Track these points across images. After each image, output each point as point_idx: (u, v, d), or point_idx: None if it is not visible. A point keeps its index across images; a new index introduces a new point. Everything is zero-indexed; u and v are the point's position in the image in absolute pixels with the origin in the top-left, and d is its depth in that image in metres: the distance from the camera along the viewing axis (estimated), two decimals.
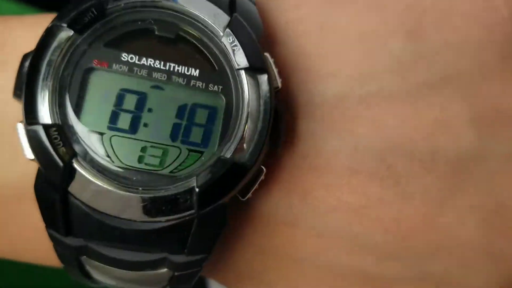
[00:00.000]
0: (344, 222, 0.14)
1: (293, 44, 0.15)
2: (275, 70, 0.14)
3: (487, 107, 0.14)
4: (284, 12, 0.15)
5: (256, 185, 0.14)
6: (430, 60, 0.14)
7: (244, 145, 0.14)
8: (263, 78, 0.14)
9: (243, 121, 0.14)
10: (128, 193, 0.13)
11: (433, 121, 0.14)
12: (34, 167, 0.14)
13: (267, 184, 0.15)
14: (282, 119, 0.14)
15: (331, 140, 0.14)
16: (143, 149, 0.14)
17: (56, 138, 0.13)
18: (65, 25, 0.14)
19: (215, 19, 0.14)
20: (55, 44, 0.14)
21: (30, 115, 0.13)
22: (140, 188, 0.14)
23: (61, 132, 0.13)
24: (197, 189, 0.13)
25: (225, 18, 0.14)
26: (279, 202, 0.15)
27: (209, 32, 0.14)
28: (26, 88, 0.14)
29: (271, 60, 0.14)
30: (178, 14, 0.14)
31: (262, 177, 0.14)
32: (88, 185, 0.13)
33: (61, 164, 0.13)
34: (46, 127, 0.13)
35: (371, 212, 0.14)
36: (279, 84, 0.14)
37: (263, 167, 0.14)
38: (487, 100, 0.14)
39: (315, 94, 0.15)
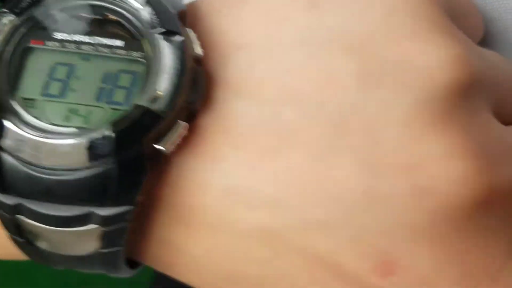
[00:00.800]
0: (245, 179, 0.15)
1: (212, 21, 0.17)
2: (197, 42, 0.16)
3: (371, 60, 0.15)
4: None
5: (179, 140, 0.15)
6: (325, 21, 0.15)
7: (159, 95, 0.15)
8: (178, 40, 0.15)
9: (159, 77, 0.15)
10: (52, 141, 0.15)
11: (321, 73, 0.15)
12: None
13: (186, 145, 0.15)
14: (199, 82, 0.16)
15: (239, 104, 0.15)
16: (71, 110, 0.16)
17: None
18: (6, 10, 0.16)
19: None
20: None
21: None
22: None
23: None
24: (113, 134, 0.15)
25: None
26: (195, 164, 0.15)
27: (132, 9, 0.16)
28: None
29: (192, 33, 0.16)
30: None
31: (185, 132, 0.15)
32: (18, 139, 0.15)
33: None
34: None
35: (266, 165, 0.15)
36: (200, 52, 0.16)
37: (184, 122, 0.15)
38: (371, 54, 0.15)
39: (229, 65, 0.16)
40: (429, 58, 0.14)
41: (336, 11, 0.15)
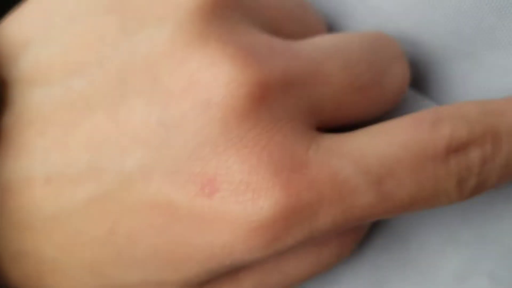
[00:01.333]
0: (61, 157, 0.15)
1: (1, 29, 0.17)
2: None
3: (129, 8, 0.16)
4: None
5: None
6: None
7: None
8: None
9: None
10: None
11: (91, 37, 0.16)
12: None
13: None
14: None
15: (35, 93, 0.16)
16: None
17: None
18: None
19: None
20: None
21: None
22: None
23: None
24: None
25: None
26: (11, 163, 0.15)
27: None
28: None
29: None
30: None
31: None
32: None
33: None
34: None
35: (74, 137, 0.15)
36: None
37: None
38: (128, 4, 0.16)
39: (20, 63, 0.17)
40: None
41: None
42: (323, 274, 0.19)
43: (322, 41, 0.17)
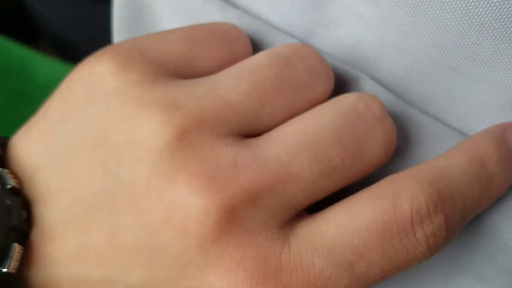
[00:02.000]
0: (77, 271, 0.18)
1: (16, 156, 0.20)
2: (9, 176, 0.18)
3: (110, 145, 0.18)
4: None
5: (13, 261, 0.17)
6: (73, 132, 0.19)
7: None
8: None
9: None
10: None
11: (83, 170, 0.18)
12: None
13: (27, 263, 0.18)
14: (16, 209, 0.18)
15: (50, 213, 0.18)
16: None
17: None
18: None
19: None
20: None
21: None
22: None
23: None
24: None
25: None
26: (40, 270, 0.18)
27: None
28: None
29: (4, 171, 0.19)
30: None
31: (19, 250, 0.17)
32: None
33: None
34: None
35: (76, 240, 0.18)
36: (15, 184, 0.18)
37: (16, 244, 0.17)
38: (110, 142, 0.18)
39: (36, 184, 0.19)
40: (142, 132, 0.17)
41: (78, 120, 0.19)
42: None
43: (290, 137, 0.18)
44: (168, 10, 0.23)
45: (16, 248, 0.18)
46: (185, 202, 0.17)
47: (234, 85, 0.18)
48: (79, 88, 0.19)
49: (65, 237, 0.18)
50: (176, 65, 0.19)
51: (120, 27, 0.24)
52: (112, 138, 0.18)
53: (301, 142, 0.18)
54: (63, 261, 0.18)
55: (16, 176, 0.19)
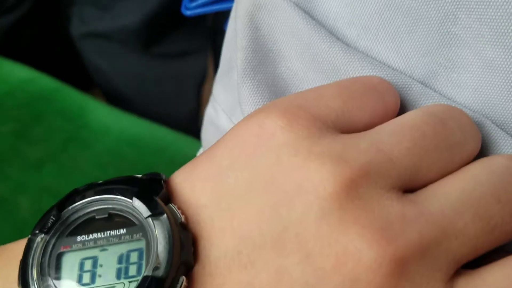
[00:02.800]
0: None
1: (181, 192, 0.21)
2: (178, 211, 0.20)
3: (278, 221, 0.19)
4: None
5: None
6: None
7: (159, 263, 0.20)
8: (163, 217, 0.20)
9: (157, 249, 0.21)
10: None
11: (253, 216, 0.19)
12: None
13: None
14: (187, 243, 0.20)
15: (213, 251, 0.19)
16: None
17: None
18: (37, 231, 0.22)
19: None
20: (34, 245, 0.22)
21: None
22: None
23: None
24: None
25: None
26: None
27: (126, 203, 0.22)
28: (21, 278, 0.21)
29: (174, 206, 0.20)
30: (110, 200, 0.22)
31: (185, 283, 0.19)
32: None
33: None
34: None
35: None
36: (183, 219, 0.20)
37: (183, 277, 0.19)
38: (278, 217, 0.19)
39: (201, 222, 0.20)
40: (312, 181, 0.18)
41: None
42: None
43: (451, 193, 0.18)
44: (292, 54, 0.25)
45: (184, 281, 0.19)
46: (358, 251, 0.17)
47: (395, 141, 0.19)
48: (248, 139, 0.20)
49: (228, 275, 0.19)
50: (333, 119, 0.20)
51: (244, 69, 0.26)
52: (282, 185, 0.19)
53: (463, 198, 0.18)
54: None
55: (183, 212, 0.20)
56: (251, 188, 0.19)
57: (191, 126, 0.79)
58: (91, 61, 0.78)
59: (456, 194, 0.18)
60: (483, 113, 0.22)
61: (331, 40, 0.24)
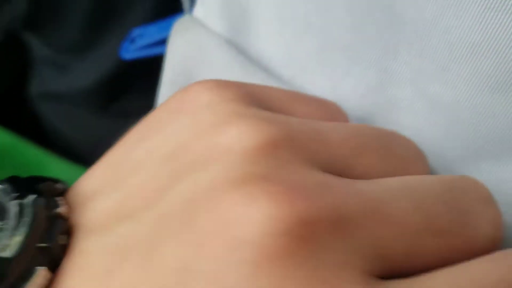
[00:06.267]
0: None
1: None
2: (60, 201, 0.17)
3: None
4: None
5: (42, 284, 0.16)
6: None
7: (9, 244, 0.16)
8: (29, 200, 0.17)
9: (14, 231, 0.17)
10: None
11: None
12: None
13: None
14: (55, 231, 0.17)
15: (90, 241, 0.16)
16: None
17: None
18: None
19: None
20: None
21: None
22: None
23: None
24: None
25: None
26: None
27: None
28: None
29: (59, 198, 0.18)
30: None
31: (47, 275, 0.16)
32: None
33: None
34: None
35: (111, 280, 0.15)
36: (61, 209, 0.17)
37: (43, 267, 0.16)
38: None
39: (87, 213, 0.17)
40: (227, 135, 0.15)
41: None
42: None
43: (392, 183, 0.16)
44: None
45: (43, 272, 0.16)
46: (251, 204, 0.13)
47: (341, 136, 0.17)
48: (170, 106, 0.18)
49: (95, 269, 0.16)
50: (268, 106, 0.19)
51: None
52: (194, 148, 0.16)
53: (403, 187, 0.15)
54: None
55: (67, 203, 0.17)
56: (151, 156, 0.17)
57: None
58: (48, 121, 0.76)
59: (396, 184, 0.15)
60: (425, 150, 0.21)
61: (264, 76, 0.22)
